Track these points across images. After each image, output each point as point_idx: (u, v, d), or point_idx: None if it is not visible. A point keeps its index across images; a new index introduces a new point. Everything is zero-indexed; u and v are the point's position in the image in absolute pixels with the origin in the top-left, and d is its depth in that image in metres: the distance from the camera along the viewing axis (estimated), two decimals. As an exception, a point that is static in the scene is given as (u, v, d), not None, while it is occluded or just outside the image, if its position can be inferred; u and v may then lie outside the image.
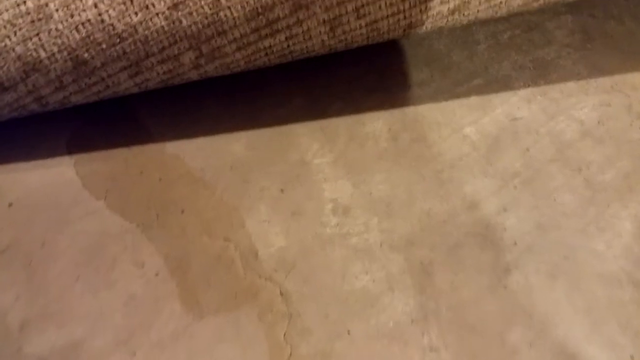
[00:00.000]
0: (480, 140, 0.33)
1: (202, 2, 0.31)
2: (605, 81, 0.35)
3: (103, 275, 0.29)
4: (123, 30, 0.31)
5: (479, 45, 0.38)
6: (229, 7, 0.31)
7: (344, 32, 0.33)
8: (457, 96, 0.35)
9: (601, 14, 0.38)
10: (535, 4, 0.35)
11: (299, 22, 0.32)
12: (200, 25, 0.31)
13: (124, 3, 0.30)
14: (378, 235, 0.31)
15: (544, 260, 0.28)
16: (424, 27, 0.34)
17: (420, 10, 0.33)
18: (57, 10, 0.31)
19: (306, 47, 0.34)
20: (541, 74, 0.36)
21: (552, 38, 0.37)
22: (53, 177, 0.34)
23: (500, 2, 0.34)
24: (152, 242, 0.31)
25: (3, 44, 0.31)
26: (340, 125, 0.35)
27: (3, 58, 0.31)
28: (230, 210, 0.32)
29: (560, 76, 0.36)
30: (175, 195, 0.33)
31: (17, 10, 0.31)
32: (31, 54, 0.31)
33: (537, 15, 0.39)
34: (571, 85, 0.35)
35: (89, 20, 0.30)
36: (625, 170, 0.31)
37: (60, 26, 0.31)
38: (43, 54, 0.31)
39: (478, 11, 0.34)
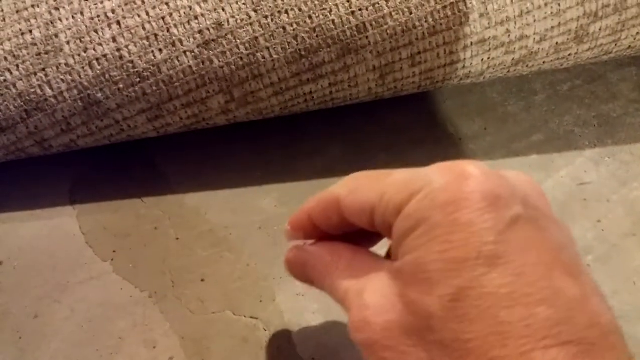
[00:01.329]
0: (545, 208, 0.29)
1: (238, 41, 0.27)
2: (679, 144, 0.31)
3: (106, 359, 0.25)
4: (144, 69, 0.26)
5: (536, 96, 0.34)
6: (267, 48, 0.27)
7: (394, 80, 0.29)
8: (516, 154, 0.32)
9: (668, 66, 0.35)
10: (605, 57, 0.32)
11: (346, 68, 0.28)
12: (233, 67, 0.27)
13: (148, 38, 0.26)
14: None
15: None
16: (482, 78, 0.31)
17: (482, 60, 0.29)
18: (68, 42, 0.26)
19: (350, 94, 0.30)
20: (608, 131, 0.32)
21: (617, 92, 0.34)
22: (52, 230, 0.29)
23: (569, 54, 0.30)
24: (167, 317, 0.26)
25: (2, 78, 0.26)
26: (384, 180, 0.31)
27: (1, 95, 0.27)
28: (258, 280, 0.27)
29: (629, 136, 0.32)
30: (194, 258, 0.28)
31: (21, 40, 0.27)
32: (35, 92, 0.27)
33: (599, 65, 0.35)
34: (642, 146, 0.31)
35: (105, 56, 0.26)
36: None
37: (71, 61, 0.26)
38: (49, 92, 0.27)
39: (544, 62, 0.30)
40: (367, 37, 0.27)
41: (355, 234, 0.18)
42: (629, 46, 0.31)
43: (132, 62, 0.27)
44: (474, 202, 0.12)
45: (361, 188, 0.16)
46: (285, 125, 0.34)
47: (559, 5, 0.28)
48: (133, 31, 0.26)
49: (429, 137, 0.33)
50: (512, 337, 0.11)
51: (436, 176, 0.14)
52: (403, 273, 0.13)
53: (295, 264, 0.19)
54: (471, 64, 0.29)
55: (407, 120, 0.33)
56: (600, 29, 0.30)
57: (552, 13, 0.29)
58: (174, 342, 0.25)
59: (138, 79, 0.27)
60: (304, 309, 0.26)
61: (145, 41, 0.26)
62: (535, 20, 0.29)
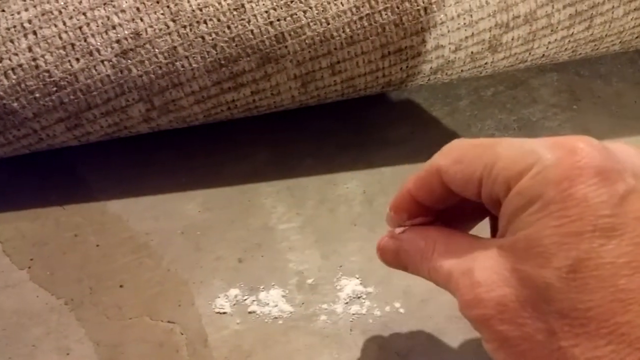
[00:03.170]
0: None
1: (157, 50, 0.27)
2: (592, 147, 0.33)
3: (17, 368, 0.25)
4: (61, 78, 0.27)
5: (460, 101, 0.35)
6: (187, 57, 0.27)
7: (316, 88, 0.30)
8: (438, 158, 0.33)
9: (587, 72, 0.37)
10: (522, 65, 0.33)
11: (267, 77, 0.29)
12: (152, 76, 0.27)
13: (64, 48, 0.27)
14: (349, 318, 0.27)
15: None
16: (404, 85, 0.32)
17: (401, 69, 0.30)
18: (-17, 51, 0.26)
19: (274, 102, 0.30)
20: (526, 135, 0.34)
21: (538, 97, 0.35)
22: (-30, 239, 0.29)
23: (486, 63, 0.31)
24: (82, 323, 0.26)
25: None
26: (310, 185, 0.32)
27: None
28: (178, 285, 0.28)
29: (546, 140, 0.33)
30: (113, 265, 0.28)
31: None
32: (-51, 100, 0.27)
33: (522, 71, 0.37)
34: (558, 150, 0.33)
35: (20, 65, 0.26)
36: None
37: (-15, 70, 0.26)
38: (-37, 101, 0.27)
39: (462, 71, 0.32)
40: (286, 47, 0.28)
41: (456, 216, 0.19)
42: (543, 54, 0.33)
43: (48, 71, 0.27)
44: (587, 177, 0.13)
45: (466, 158, 0.16)
46: (211, 131, 0.34)
47: (472, 16, 0.30)
48: (49, 41, 0.27)
49: (355, 141, 0.34)
50: (634, 303, 0.12)
51: (546, 153, 0.14)
52: (516, 249, 0.14)
53: (388, 251, 0.19)
54: (390, 72, 0.30)
55: (334, 125, 0.34)
56: (512, 39, 0.31)
57: (465, 24, 0.30)
58: (88, 349, 0.25)
59: (54, 88, 0.27)
60: (222, 312, 0.27)
61: (61, 50, 0.27)
62: (449, 31, 0.30)
